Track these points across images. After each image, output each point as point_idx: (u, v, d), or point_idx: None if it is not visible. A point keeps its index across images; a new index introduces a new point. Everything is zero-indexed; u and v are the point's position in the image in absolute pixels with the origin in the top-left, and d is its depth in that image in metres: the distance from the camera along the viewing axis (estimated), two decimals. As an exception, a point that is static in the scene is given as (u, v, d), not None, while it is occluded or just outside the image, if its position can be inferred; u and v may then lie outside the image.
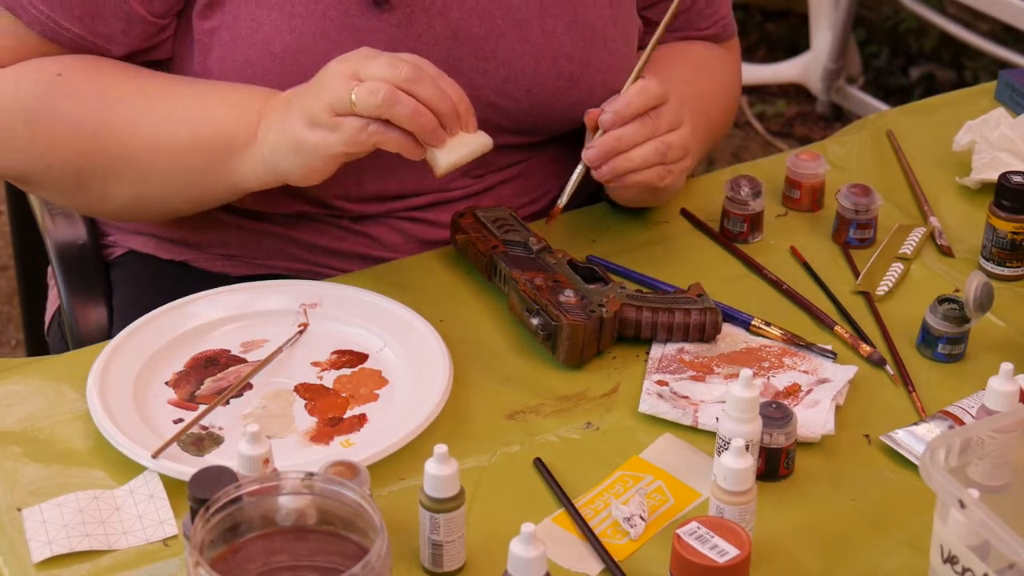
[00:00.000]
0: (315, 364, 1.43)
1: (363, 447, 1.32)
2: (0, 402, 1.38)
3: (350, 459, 1.21)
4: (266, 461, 1.17)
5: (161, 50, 1.52)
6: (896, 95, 3.57)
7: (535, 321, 1.43)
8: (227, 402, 1.38)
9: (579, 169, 1.50)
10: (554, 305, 1.43)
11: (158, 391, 1.39)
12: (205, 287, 1.50)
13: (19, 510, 1.27)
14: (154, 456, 1.29)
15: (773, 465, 1.31)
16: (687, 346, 1.46)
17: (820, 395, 1.39)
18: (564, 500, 1.28)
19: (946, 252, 1.61)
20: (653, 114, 1.47)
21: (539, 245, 1.51)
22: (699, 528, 1.16)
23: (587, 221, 1.63)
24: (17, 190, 1.88)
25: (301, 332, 1.46)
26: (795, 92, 3.63)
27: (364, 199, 1.57)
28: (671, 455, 1.34)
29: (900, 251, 1.60)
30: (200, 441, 1.33)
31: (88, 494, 1.28)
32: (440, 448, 1.17)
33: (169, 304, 1.47)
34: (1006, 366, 1.26)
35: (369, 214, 1.58)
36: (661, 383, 1.41)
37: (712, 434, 1.33)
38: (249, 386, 1.40)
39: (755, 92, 3.64)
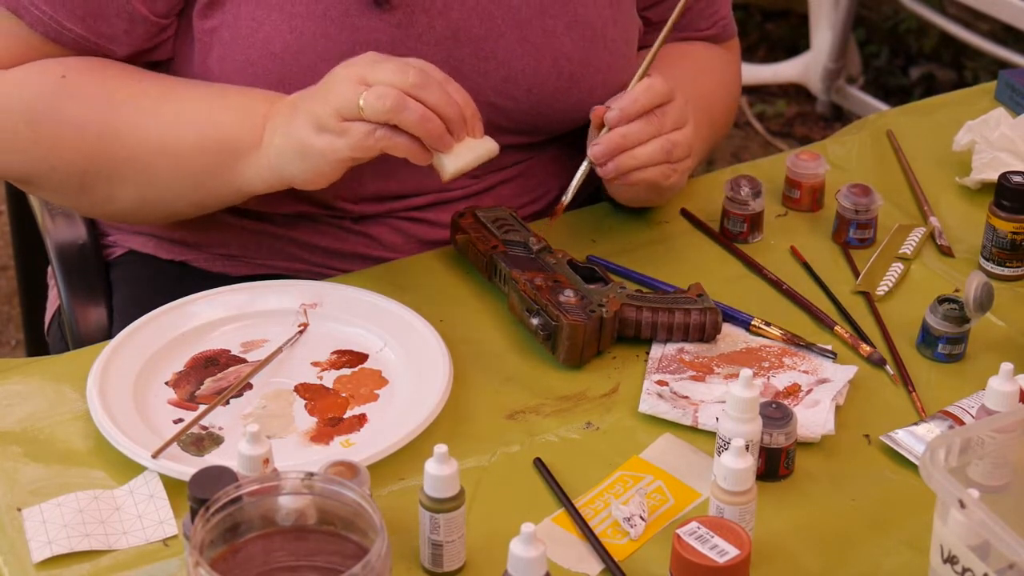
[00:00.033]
0: (315, 364, 1.43)
1: (363, 447, 1.32)
2: (0, 402, 1.38)
3: (350, 459, 1.21)
4: (266, 461, 1.17)
5: (162, 50, 1.52)
6: (896, 95, 3.57)
7: (535, 321, 1.43)
8: (227, 402, 1.38)
9: (584, 166, 1.50)
10: (554, 305, 1.43)
11: (158, 391, 1.39)
12: (205, 287, 1.50)
13: (19, 510, 1.27)
14: (154, 456, 1.29)
15: (773, 465, 1.31)
16: (687, 346, 1.46)
17: (820, 395, 1.39)
18: (564, 500, 1.28)
19: (946, 252, 1.61)
20: (659, 112, 1.47)
21: (539, 245, 1.51)
22: (699, 528, 1.16)
23: (587, 221, 1.63)
24: (17, 190, 1.88)
25: (301, 332, 1.46)
26: (795, 92, 3.63)
27: (364, 199, 1.57)
28: (671, 455, 1.34)
29: (900, 251, 1.60)
30: (200, 441, 1.33)
31: (88, 494, 1.28)
32: (440, 448, 1.17)
33: (169, 304, 1.47)
34: (1006, 366, 1.26)
35: (369, 214, 1.58)
36: (661, 383, 1.41)
37: (712, 434, 1.33)
38: (249, 386, 1.40)
39: (755, 92, 3.64)
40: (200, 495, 1.11)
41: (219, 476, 1.12)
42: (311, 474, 1.11)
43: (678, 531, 1.16)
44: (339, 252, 1.59)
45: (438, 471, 1.18)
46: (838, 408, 1.39)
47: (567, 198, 1.51)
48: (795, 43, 3.73)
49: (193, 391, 1.39)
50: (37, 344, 1.96)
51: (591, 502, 1.29)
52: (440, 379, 1.38)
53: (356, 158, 1.40)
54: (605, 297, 1.45)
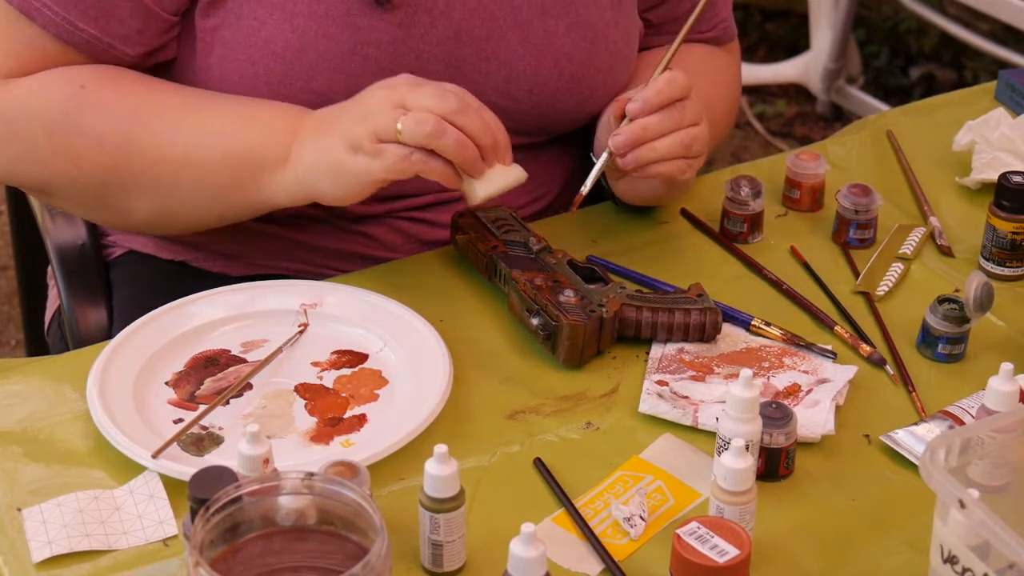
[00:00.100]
0: (315, 364, 1.43)
1: (363, 447, 1.32)
2: (0, 402, 1.38)
3: (350, 459, 1.21)
4: (266, 461, 1.17)
5: (168, 50, 1.52)
6: (896, 95, 3.57)
7: (535, 321, 1.43)
8: (227, 402, 1.38)
9: (603, 157, 1.49)
10: (554, 305, 1.43)
11: (158, 391, 1.39)
12: (205, 287, 1.50)
13: (19, 510, 1.27)
14: (154, 456, 1.29)
15: (773, 465, 1.31)
16: (687, 346, 1.46)
17: (820, 395, 1.39)
18: (564, 500, 1.28)
19: (946, 252, 1.61)
20: (679, 106, 1.47)
21: (539, 245, 1.51)
22: (699, 528, 1.16)
23: (587, 221, 1.63)
24: (17, 190, 1.88)
25: (301, 332, 1.46)
26: (795, 92, 3.63)
27: (364, 199, 1.57)
28: (671, 455, 1.34)
29: (900, 251, 1.60)
30: (200, 441, 1.33)
31: (88, 494, 1.28)
32: (440, 448, 1.17)
33: (169, 304, 1.47)
34: (1006, 366, 1.26)
35: (369, 214, 1.58)
36: (661, 383, 1.41)
37: (712, 434, 1.33)
38: (249, 386, 1.40)
39: (755, 92, 3.64)
40: (200, 495, 1.11)
41: (219, 476, 1.12)
42: (311, 474, 1.11)
43: (678, 531, 1.16)
44: (339, 252, 1.59)
45: (438, 471, 1.18)
46: (838, 408, 1.39)
47: (586, 188, 1.50)
48: (795, 43, 3.73)
49: (193, 391, 1.39)
50: (37, 344, 1.96)
51: (591, 502, 1.29)
52: (440, 379, 1.38)
53: (389, 180, 1.41)
54: (605, 297, 1.45)
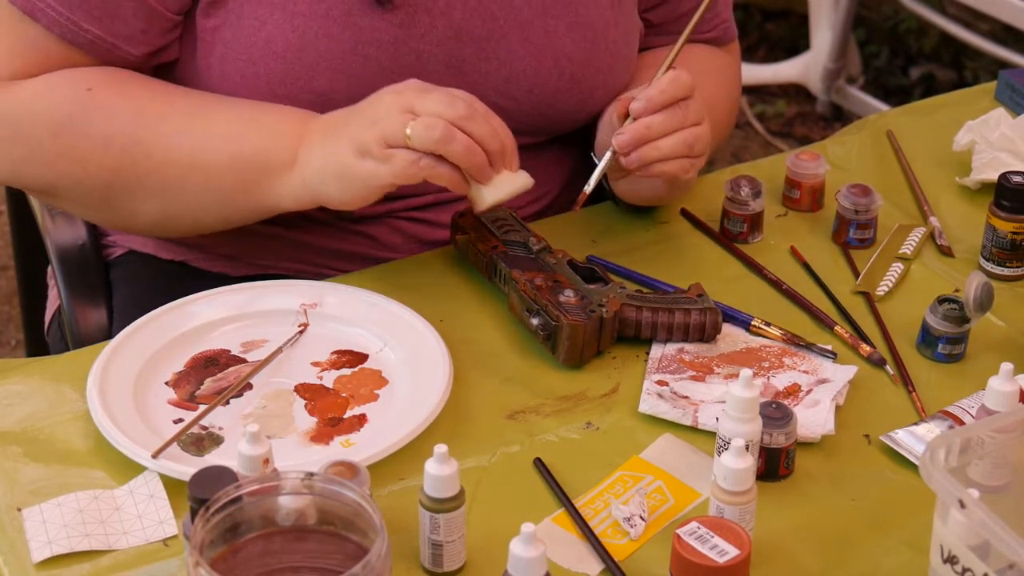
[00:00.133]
0: (315, 364, 1.43)
1: (363, 447, 1.32)
2: (0, 402, 1.38)
3: (350, 459, 1.21)
4: (266, 461, 1.17)
5: (171, 50, 1.52)
6: (896, 95, 3.57)
7: (535, 321, 1.43)
8: (227, 402, 1.38)
9: (607, 155, 1.49)
10: (554, 305, 1.43)
11: (158, 391, 1.39)
12: (205, 287, 1.50)
13: (19, 510, 1.27)
14: (154, 456, 1.29)
15: (773, 465, 1.31)
16: (687, 346, 1.46)
17: (820, 395, 1.39)
18: (564, 500, 1.28)
19: (946, 252, 1.61)
20: (682, 105, 1.47)
21: (539, 245, 1.51)
22: (699, 528, 1.16)
23: (587, 221, 1.63)
24: (17, 190, 1.88)
25: (301, 332, 1.46)
26: (795, 92, 3.63)
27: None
28: (671, 455, 1.34)
29: (900, 251, 1.60)
30: (200, 441, 1.33)
31: (88, 494, 1.28)
32: (440, 448, 1.17)
33: (169, 304, 1.47)
34: (1006, 366, 1.26)
35: (369, 214, 1.58)
36: (661, 383, 1.41)
37: (712, 434, 1.33)
38: (249, 386, 1.40)
39: (755, 92, 3.64)
40: (200, 495, 1.11)
41: (219, 476, 1.12)
42: (311, 474, 1.11)
43: (678, 531, 1.16)
44: (339, 252, 1.59)
45: (438, 471, 1.18)
46: (838, 408, 1.39)
47: (590, 187, 1.50)
48: (795, 43, 3.73)
49: (193, 391, 1.39)
50: (37, 344, 1.96)
51: (591, 502, 1.29)
52: (440, 379, 1.38)
53: (396, 185, 1.41)
54: (605, 297, 1.45)
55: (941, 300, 1.46)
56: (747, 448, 1.20)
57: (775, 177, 1.67)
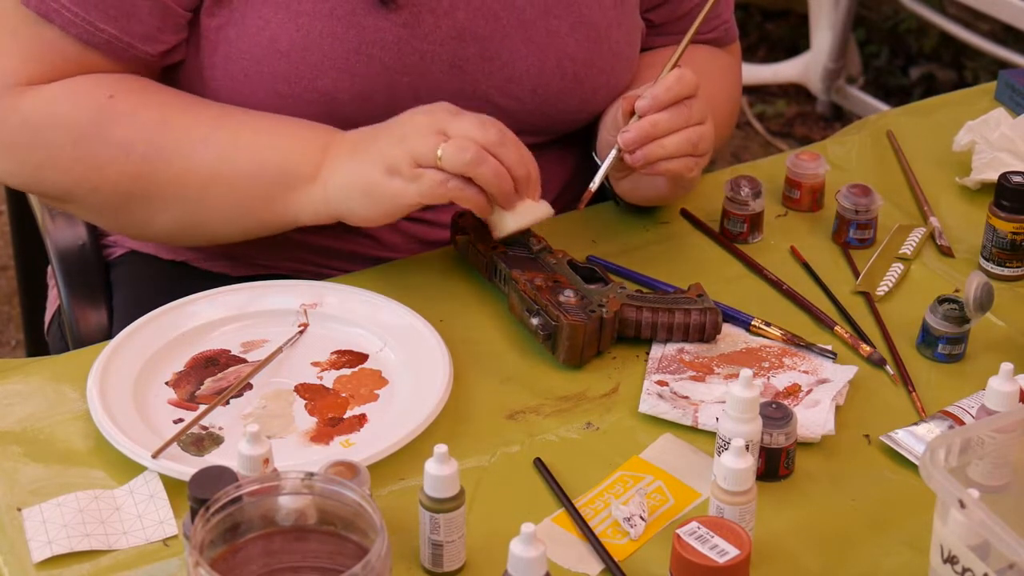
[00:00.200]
0: (315, 364, 1.43)
1: (363, 447, 1.32)
2: (0, 402, 1.38)
3: (350, 459, 1.21)
4: (266, 461, 1.17)
5: (180, 50, 1.52)
6: (896, 95, 3.57)
7: (535, 321, 1.43)
8: (227, 402, 1.38)
9: (612, 153, 1.50)
10: (554, 305, 1.43)
11: (158, 391, 1.39)
12: (205, 287, 1.50)
13: (19, 510, 1.27)
14: (154, 456, 1.29)
15: (773, 465, 1.31)
16: (687, 346, 1.45)
17: (820, 395, 1.39)
18: (564, 500, 1.28)
19: (946, 252, 1.61)
20: (687, 103, 1.47)
21: (539, 245, 1.51)
22: (699, 528, 1.16)
23: (587, 221, 1.63)
24: (17, 190, 1.88)
25: (301, 332, 1.46)
26: (795, 92, 3.63)
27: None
28: (671, 455, 1.34)
29: (900, 251, 1.60)
30: (200, 441, 1.33)
31: (88, 494, 1.28)
32: (440, 448, 1.17)
33: (169, 304, 1.47)
34: (1006, 366, 1.26)
35: (370, 214, 1.58)
36: (661, 383, 1.41)
37: (712, 434, 1.33)
38: (249, 386, 1.40)
39: (755, 92, 3.64)
40: (200, 495, 1.11)
41: (219, 476, 1.12)
42: (311, 474, 1.11)
43: (678, 531, 1.16)
44: (339, 252, 1.60)
45: (438, 471, 1.18)
46: (838, 408, 1.39)
47: (594, 185, 1.50)
48: (795, 43, 3.73)
49: (193, 391, 1.39)
50: (37, 344, 1.96)
51: (591, 502, 1.29)
52: (440, 379, 1.38)
53: (422, 204, 1.42)
54: (605, 297, 1.45)
55: (941, 300, 1.46)
56: (747, 448, 1.20)
57: (775, 177, 1.67)
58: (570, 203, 1.62)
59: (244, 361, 1.43)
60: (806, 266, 1.58)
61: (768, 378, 1.42)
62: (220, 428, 1.35)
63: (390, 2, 1.48)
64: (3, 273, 3.08)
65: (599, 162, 1.56)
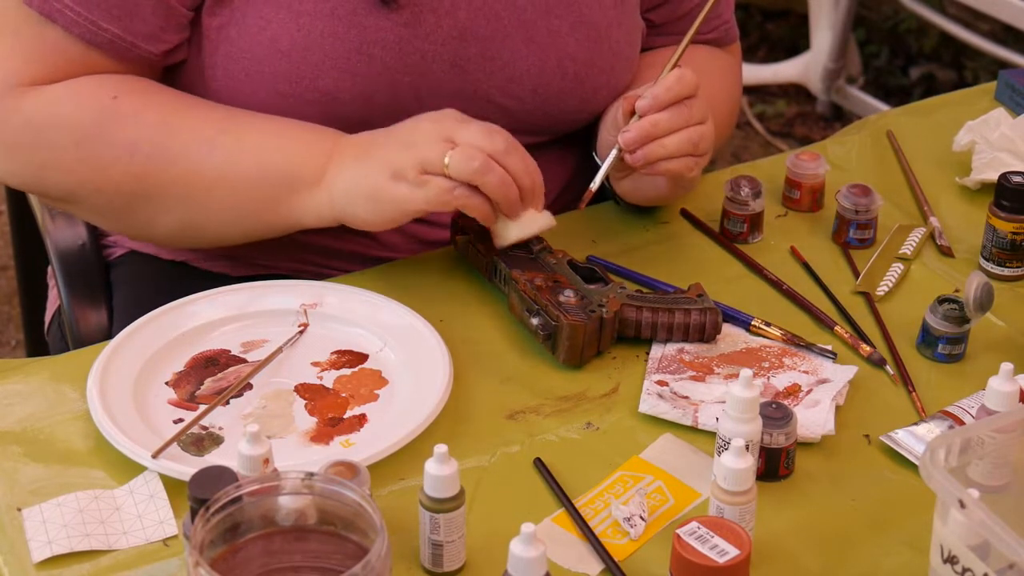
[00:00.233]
0: (315, 364, 1.43)
1: (363, 447, 1.32)
2: (0, 402, 1.38)
3: (350, 459, 1.21)
4: (266, 461, 1.17)
5: (182, 50, 1.52)
6: (896, 95, 3.57)
7: (535, 321, 1.43)
8: (227, 402, 1.38)
9: (613, 153, 1.50)
10: (554, 305, 1.43)
11: (158, 391, 1.39)
12: (205, 287, 1.50)
13: (19, 510, 1.27)
14: (154, 456, 1.29)
15: (773, 465, 1.31)
16: (687, 346, 1.45)
17: (820, 395, 1.39)
18: (564, 500, 1.28)
19: (946, 252, 1.61)
20: (687, 103, 1.48)
21: (539, 245, 1.51)
22: (699, 528, 1.16)
23: (587, 221, 1.63)
24: (17, 190, 1.88)
25: (301, 332, 1.46)
26: (795, 92, 3.63)
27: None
28: (671, 455, 1.34)
29: (900, 251, 1.60)
30: (200, 441, 1.33)
31: (88, 494, 1.28)
32: (440, 448, 1.17)
33: (169, 304, 1.47)
34: (1006, 366, 1.26)
35: (370, 215, 1.58)
36: (661, 383, 1.41)
37: (712, 434, 1.33)
38: (249, 386, 1.40)
39: (755, 92, 3.64)
40: (200, 495, 1.11)
41: (219, 476, 1.12)
42: (311, 474, 1.11)
43: (678, 531, 1.16)
44: (339, 252, 1.60)
45: (438, 471, 1.18)
46: (838, 408, 1.39)
47: (595, 185, 1.51)
48: (795, 43, 3.73)
49: (193, 391, 1.39)
50: (37, 344, 1.96)
51: (591, 502, 1.29)
52: (440, 379, 1.38)
53: (428, 211, 1.42)
54: (605, 297, 1.45)
55: (941, 300, 1.46)
56: (747, 448, 1.20)
57: (775, 177, 1.67)
58: (570, 203, 1.62)
59: (244, 361, 1.43)
60: (806, 266, 1.58)
61: (768, 378, 1.42)
62: (220, 428, 1.35)
63: (391, 2, 1.49)
64: (3, 273, 3.08)
65: (599, 162, 1.56)
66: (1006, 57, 3.17)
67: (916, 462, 1.31)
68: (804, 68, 3.50)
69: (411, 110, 1.50)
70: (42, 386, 1.40)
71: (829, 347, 1.45)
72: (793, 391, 1.40)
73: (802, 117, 3.60)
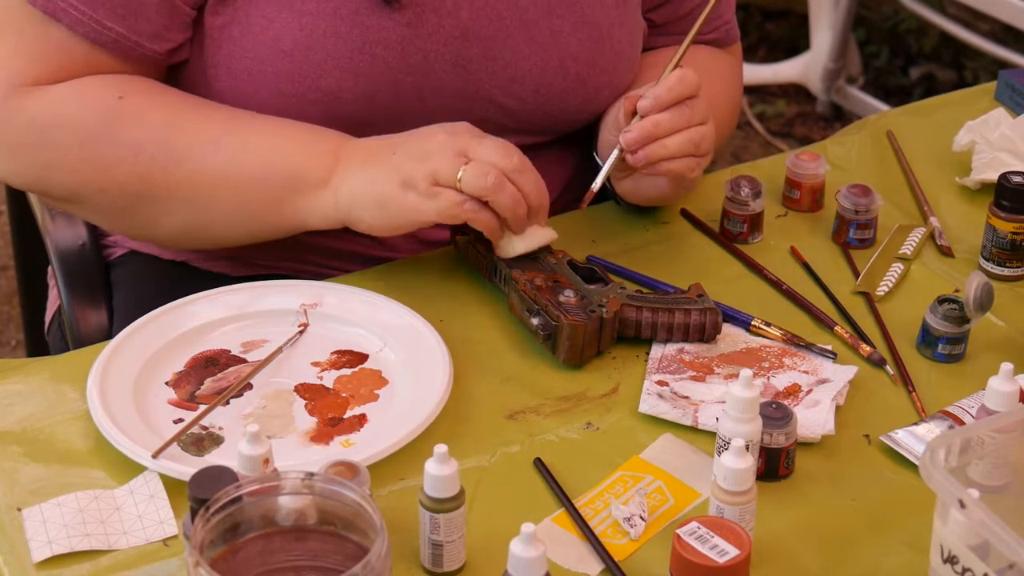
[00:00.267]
0: (315, 364, 1.43)
1: (363, 447, 1.32)
2: (0, 402, 1.38)
3: (350, 459, 1.21)
4: (266, 461, 1.17)
5: (185, 50, 1.52)
6: (896, 95, 3.57)
7: (535, 321, 1.43)
8: (227, 402, 1.38)
9: (615, 153, 1.50)
10: (554, 305, 1.43)
11: (158, 391, 1.39)
12: (205, 287, 1.50)
13: (19, 510, 1.27)
14: (154, 456, 1.29)
15: (773, 465, 1.31)
16: (687, 346, 1.46)
17: (820, 395, 1.39)
18: (564, 500, 1.28)
19: (946, 252, 1.61)
20: (689, 103, 1.48)
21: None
22: (699, 528, 1.16)
23: (587, 221, 1.63)
24: (17, 190, 1.88)
25: (301, 332, 1.46)
26: (795, 92, 3.63)
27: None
28: (671, 455, 1.34)
29: (900, 251, 1.60)
30: (200, 441, 1.33)
31: (88, 494, 1.28)
32: (440, 448, 1.17)
33: (169, 304, 1.47)
34: (1006, 366, 1.26)
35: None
36: (661, 383, 1.41)
37: (712, 434, 1.33)
38: (249, 386, 1.40)
39: (755, 92, 3.64)
40: (200, 495, 1.11)
41: (219, 476, 1.12)
42: (311, 474, 1.11)
43: (678, 531, 1.16)
44: (339, 252, 1.60)
45: (438, 471, 1.18)
46: (838, 408, 1.39)
47: (597, 185, 1.51)
48: (795, 43, 3.73)
49: (193, 391, 1.39)
50: (37, 344, 1.96)
51: (591, 502, 1.29)
52: (440, 379, 1.38)
53: (435, 222, 1.43)
54: (605, 297, 1.45)
55: (941, 300, 1.46)
56: (747, 448, 1.20)
57: (775, 177, 1.67)
58: (571, 203, 1.62)
59: (244, 361, 1.43)
60: (806, 266, 1.58)
61: (768, 378, 1.42)
62: (220, 428, 1.35)
63: (393, 1, 1.49)
64: (3, 273, 3.08)
65: (600, 162, 1.56)
66: (1006, 57, 3.17)
67: (916, 462, 1.31)
68: (804, 68, 3.50)
69: (413, 110, 1.51)
70: (42, 386, 1.40)
71: (829, 347, 1.45)
72: (793, 391, 1.40)
73: (802, 117, 3.60)
